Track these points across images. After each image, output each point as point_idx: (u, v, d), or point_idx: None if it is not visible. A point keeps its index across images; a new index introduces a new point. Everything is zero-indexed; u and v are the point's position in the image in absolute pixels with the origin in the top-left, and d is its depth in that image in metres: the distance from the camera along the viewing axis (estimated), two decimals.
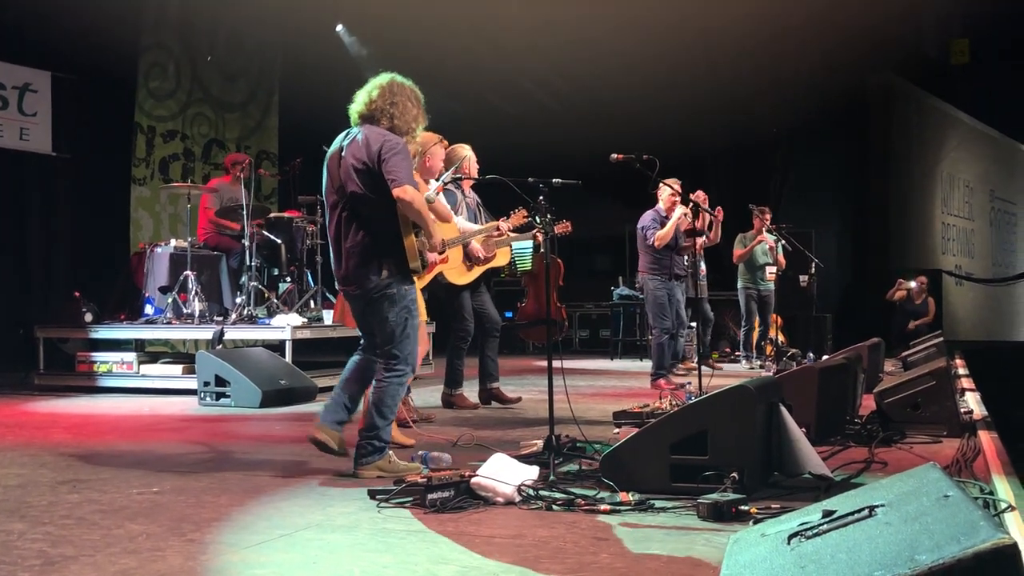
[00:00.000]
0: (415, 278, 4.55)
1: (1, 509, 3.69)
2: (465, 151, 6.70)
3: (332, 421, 4.55)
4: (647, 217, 8.60)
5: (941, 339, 9.18)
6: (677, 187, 7.77)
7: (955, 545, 1.62)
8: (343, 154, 4.43)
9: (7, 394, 8.23)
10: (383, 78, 4.52)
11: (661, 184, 8.21)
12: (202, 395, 7.55)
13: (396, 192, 4.24)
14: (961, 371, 8.94)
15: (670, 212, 8.55)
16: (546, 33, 12.66)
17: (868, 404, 5.98)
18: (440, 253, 6.26)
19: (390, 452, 4.40)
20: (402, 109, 4.45)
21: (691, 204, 8.05)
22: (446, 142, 6.32)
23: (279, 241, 9.41)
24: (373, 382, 4.49)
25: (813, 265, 10.85)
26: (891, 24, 13.84)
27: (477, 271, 6.60)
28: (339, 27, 13.40)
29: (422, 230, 4.44)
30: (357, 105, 4.51)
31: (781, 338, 11.03)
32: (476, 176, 6.52)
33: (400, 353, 4.43)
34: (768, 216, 11.03)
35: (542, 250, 6.49)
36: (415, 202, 4.28)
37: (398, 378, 4.45)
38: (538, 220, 4.52)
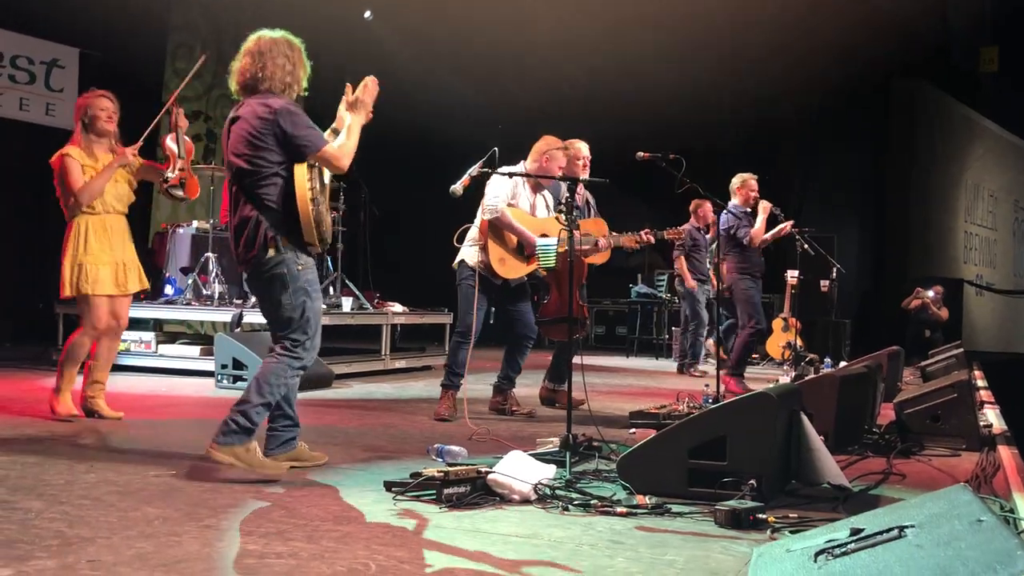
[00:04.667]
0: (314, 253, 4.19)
1: (19, 486, 3.70)
2: (573, 147, 6.62)
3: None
4: (730, 218, 8.23)
5: (961, 350, 9.10)
6: (755, 182, 7.86)
7: (991, 573, 1.59)
8: (230, 128, 4.15)
9: (26, 369, 8.28)
10: (249, 41, 4.22)
11: (744, 179, 8.37)
12: (219, 377, 7.58)
13: (316, 157, 4.06)
14: (980, 383, 8.86)
15: (752, 208, 8.37)
16: (571, 23, 12.61)
17: (887, 413, 5.94)
18: (585, 256, 6.33)
19: (254, 442, 4.04)
20: (274, 68, 4.14)
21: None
22: (568, 149, 6.33)
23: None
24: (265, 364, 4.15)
25: (835, 270, 10.79)
26: (919, 30, 13.74)
27: (528, 267, 6.27)
28: (367, 13, 13.38)
29: (322, 201, 4.10)
30: (232, 77, 4.21)
31: (799, 343, 10.96)
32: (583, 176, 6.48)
33: (300, 338, 4.11)
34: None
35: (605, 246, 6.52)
36: (338, 159, 4.09)
37: (293, 361, 4.10)
38: (563, 219, 4.47)
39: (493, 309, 6.34)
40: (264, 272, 4.06)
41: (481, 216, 6.17)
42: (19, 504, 3.42)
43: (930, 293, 13.96)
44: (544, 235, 6.17)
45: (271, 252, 4.03)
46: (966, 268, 17.66)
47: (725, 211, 8.14)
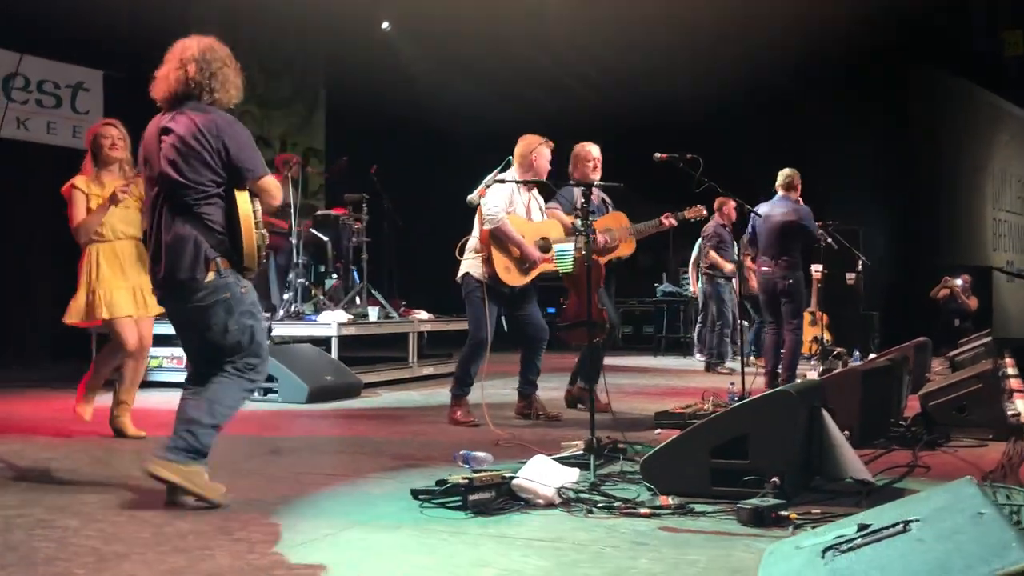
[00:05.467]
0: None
1: (56, 505, 3.80)
2: (583, 149, 6.65)
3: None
4: (805, 212, 8.11)
5: (990, 338, 9.04)
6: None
7: (984, 567, 1.62)
8: (162, 138, 3.83)
9: (62, 388, 8.41)
10: (190, 47, 3.88)
11: (791, 178, 8.23)
12: None
13: (256, 185, 3.82)
14: (1010, 371, 8.78)
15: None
16: (586, 23, 12.64)
17: (914, 406, 5.93)
18: (605, 253, 6.36)
19: (202, 466, 3.79)
20: (223, 79, 3.89)
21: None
22: (551, 143, 6.32)
23: (326, 239, 9.54)
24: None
25: (860, 263, 10.76)
26: (940, 14, 13.63)
27: (532, 273, 6.27)
28: (384, 24, 13.50)
29: (263, 226, 3.87)
30: (169, 83, 3.86)
31: (827, 336, 10.94)
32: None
33: (253, 362, 3.89)
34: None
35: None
36: (275, 193, 3.89)
37: (246, 383, 3.90)
38: (579, 224, 4.52)
39: (503, 317, 6.37)
40: (202, 296, 3.78)
41: (481, 227, 6.16)
42: (57, 522, 3.52)
43: (958, 282, 13.85)
44: (545, 239, 6.20)
45: (211, 276, 3.77)
46: (995, 255, 17.44)
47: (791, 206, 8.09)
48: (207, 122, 3.79)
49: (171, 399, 4.03)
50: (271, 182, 3.90)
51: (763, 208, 8.01)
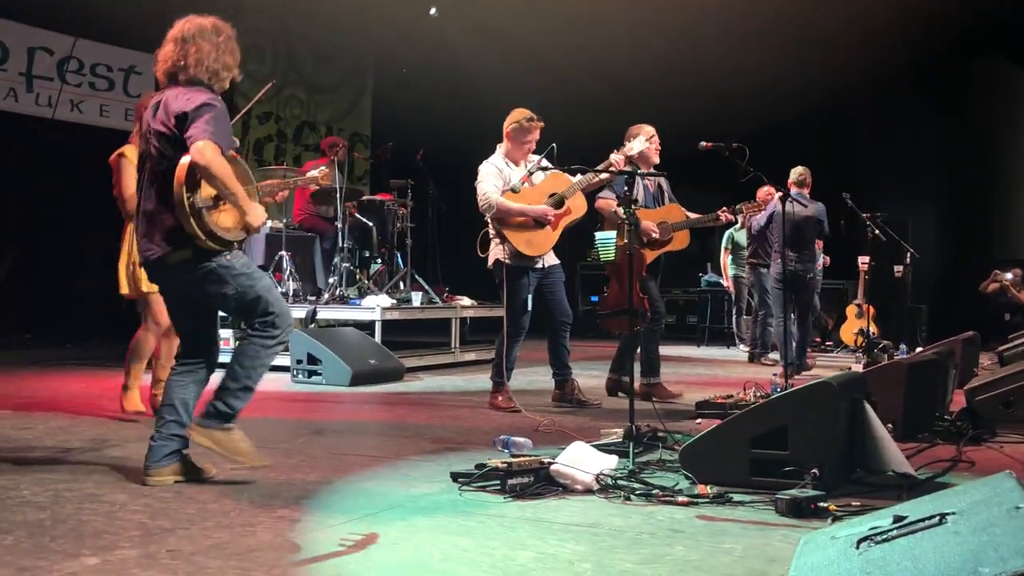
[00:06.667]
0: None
1: (105, 480, 3.89)
2: (642, 130, 6.55)
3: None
4: (820, 208, 9.12)
5: None
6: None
7: (1019, 560, 1.61)
8: (151, 117, 3.89)
9: (110, 367, 8.59)
10: (175, 28, 3.95)
11: (804, 176, 9.15)
12: (295, 372, 7.78)
13: (191, 152, 3.67)
14: None
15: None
16: (638, 11, 12.57)
17: (960, 400, 5.86)
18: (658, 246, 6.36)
19: (235, 428, 3.91)
20: (198, 56, 3.86)
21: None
22: (539, 121, 6.22)
23: (371, 224, 9.62)
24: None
25: (908, 255, 10.62)
26: (995, 4, 13.36)
27: (555, 233, 6.23)
28: (432, 10, 13.53)
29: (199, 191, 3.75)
30: (159, 63, 3.95)
31: (873, 329, 10.82)
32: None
33: (265, 318, 3.91)
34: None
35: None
36: (211, 165, 3.64)
37: (266, 340, 3.92)
38: (623, 211, 4.52)
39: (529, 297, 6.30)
40: (196, 269, 3.82)
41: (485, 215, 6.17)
42: (105, 497, 3.60)
43: (1008, 276, 13.61)
44: (553, 195, 6.15)
45: (186, 251, 3.79)
46: None
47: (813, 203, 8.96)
48: (174, 98, 3.81)
49: (215, 379, 4.09)
50: (202, 153, 3.64)
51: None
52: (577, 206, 6.24)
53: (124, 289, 5.64)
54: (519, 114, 6.23)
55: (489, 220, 6.17)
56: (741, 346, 12.00)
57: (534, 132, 6.20)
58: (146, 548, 2.92)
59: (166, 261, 3.83)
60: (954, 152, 15.75)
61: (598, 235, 6.10)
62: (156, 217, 3.83)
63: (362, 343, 8.16)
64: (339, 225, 9.17)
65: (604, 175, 6.06)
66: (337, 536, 3.10)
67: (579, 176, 6.08)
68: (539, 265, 6.22)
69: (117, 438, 4.94)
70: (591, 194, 6.43)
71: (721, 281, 13.11)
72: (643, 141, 6.26)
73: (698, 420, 5.62)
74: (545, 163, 6.16)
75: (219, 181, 3.69)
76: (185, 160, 3.71)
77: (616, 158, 6.04)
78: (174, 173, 3.73)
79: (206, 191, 3.76)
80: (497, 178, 6.11)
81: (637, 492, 3.69)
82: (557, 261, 6.38)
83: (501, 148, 6.30)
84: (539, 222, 6.11)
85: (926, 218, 15.18)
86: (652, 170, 6.57)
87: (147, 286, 5.45)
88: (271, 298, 3.95)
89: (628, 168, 5.95)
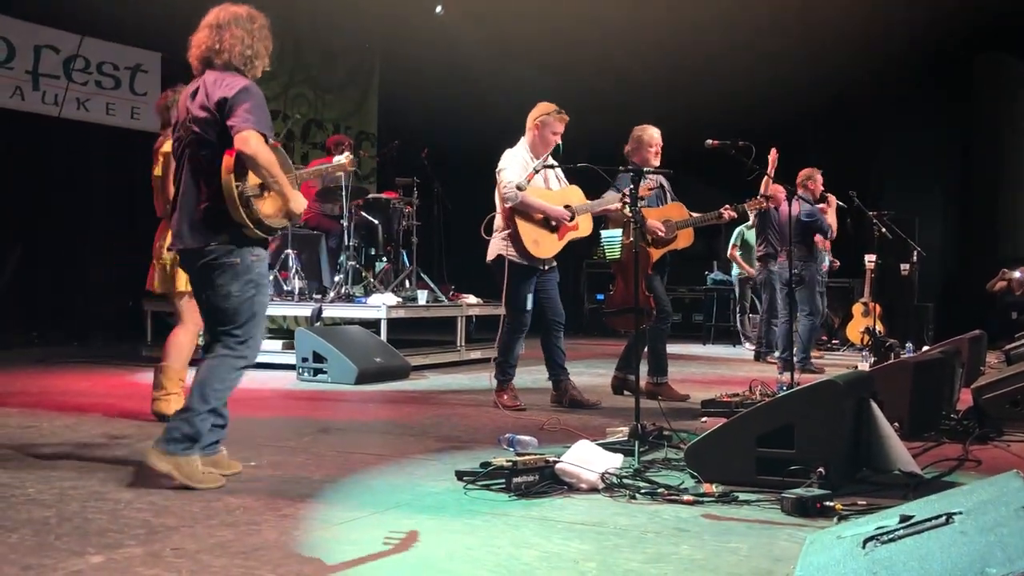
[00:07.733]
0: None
1: (111, 478, 3.90)
2: (646, 133, 6.57)
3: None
4: (816, 208, 9.08)
5: None
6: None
7: None
8: (190, 103, 3.90)
9: (117, 365, 8.61)
10: (210, 15, 3.96)
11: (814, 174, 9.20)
12: (300, 370, 7.78)
13: (236, 142, 3.70)
14: None
15: (816, 200, 9.15)
16: (648, 8, 12.54)
17: (967, 399, 5.84)
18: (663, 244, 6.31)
19: (196, 455, 3.76)
20: (231, 41, 3.88)
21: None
22: (565, 115, 6.21)
23: (376, 222, 9.63)
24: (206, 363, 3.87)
25: (915, 253, 10.60)
26: (1001, 1, 13.31)
27: (562, 240, 6.21)
28: (438, 8, 13.52)
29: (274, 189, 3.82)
30: (192, 52, 3.96)
31: (879, 327, 10.79)
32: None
33: (243, 334, 3.85)
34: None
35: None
36: (257, 155, 3.70)
37: (236, 359, 3.85)
38: (628, 209, 4.51)
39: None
40: (211, 259, 3.81)
41: (502, 204, 6.10)
42: (110, 495, 3.60)
43: (1016, 274, 13.56)
44: (568, 206, 6.15)
45: (224, 237, 3.81)
46: None
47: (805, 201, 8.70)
48: (213, 83, 3.84)
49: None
50: (248, 143, 3.70)
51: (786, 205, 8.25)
52: (584, 227, 6.29)
53: (155, 286, 5.57)
54: (546, 107, 6.23)
55: (501, 209, 6.14)
56: (746, 344, 11.99)
57: (560, 125, 6.20)
58: (151, 546, 2.92)
59: (203, 251, 3.83)
60: (961, 150, 15.70)
61: (604, 233, 6.09)
62: (196, 207, 3.86)
63: (368, 341, 8.16)
64: (345, 223, 9.17)
65: (614, 205, 6.13)
66: (342, 535, 3.10)
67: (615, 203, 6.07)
68: (546, 267, 6.21)
69: (122, 436, 4.94)
70: (599, 219, 6.45)
71: (730, 278, 13.08)
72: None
73: (704, 419, 5.61)
74: (551, 160, 6.14)
75: (264, 170, 3.75)
76: (249, 149, 3.73)
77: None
78: (215, 162, 3.78)
79: (252, 179, 3.80)
80: (523, 169, 6.06)
81: (642, 491, 3.68)
82: (554, 262, 6.37)
83: (524, 140, 6.27)
84: (551, 224, 6.11)
85: (933, 216, 15.12)
86: (655, 168, 6.55)
87: (185, 285, 5.31)
88: (258, 320, 3.94)
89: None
